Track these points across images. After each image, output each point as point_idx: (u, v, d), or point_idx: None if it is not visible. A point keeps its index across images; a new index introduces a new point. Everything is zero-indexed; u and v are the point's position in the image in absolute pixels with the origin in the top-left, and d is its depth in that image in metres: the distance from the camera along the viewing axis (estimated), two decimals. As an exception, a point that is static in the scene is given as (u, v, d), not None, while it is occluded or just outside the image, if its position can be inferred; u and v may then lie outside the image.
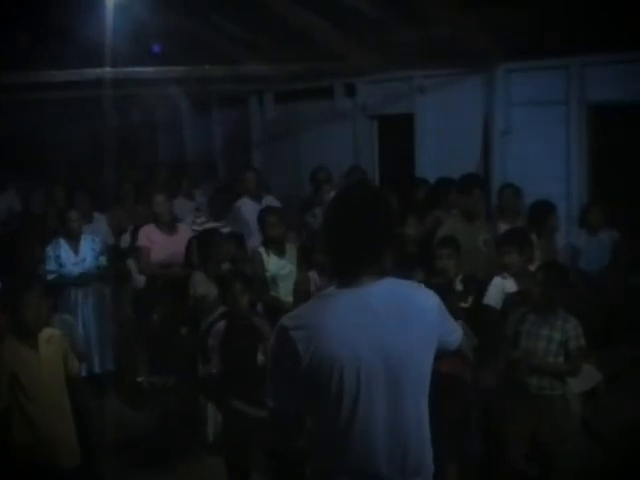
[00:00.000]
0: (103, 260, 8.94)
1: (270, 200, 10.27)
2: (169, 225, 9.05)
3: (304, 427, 3.40)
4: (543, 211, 8.37)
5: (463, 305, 6.72)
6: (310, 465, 3.41)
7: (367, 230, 3.28)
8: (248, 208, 9.90)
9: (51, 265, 8.63)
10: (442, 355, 3.44)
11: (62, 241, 8.77)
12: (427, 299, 3.39)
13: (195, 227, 9.53)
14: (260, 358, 6.49)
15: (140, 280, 9.09)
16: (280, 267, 8.25)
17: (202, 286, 7.70)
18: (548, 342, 5.92)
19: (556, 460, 5.97)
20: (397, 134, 12.14)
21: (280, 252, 8.33)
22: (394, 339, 3.23)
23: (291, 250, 8.42)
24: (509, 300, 6.71)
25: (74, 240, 8.81)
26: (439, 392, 3.48)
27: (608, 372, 7.08)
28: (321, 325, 3.21)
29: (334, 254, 3.39)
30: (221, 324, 6.53)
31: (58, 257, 8.67)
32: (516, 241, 7.07)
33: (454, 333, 3.54)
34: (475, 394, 6.29)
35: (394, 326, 3.24)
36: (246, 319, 6.53)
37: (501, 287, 6.89)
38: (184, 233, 8.96)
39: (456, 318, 3.71)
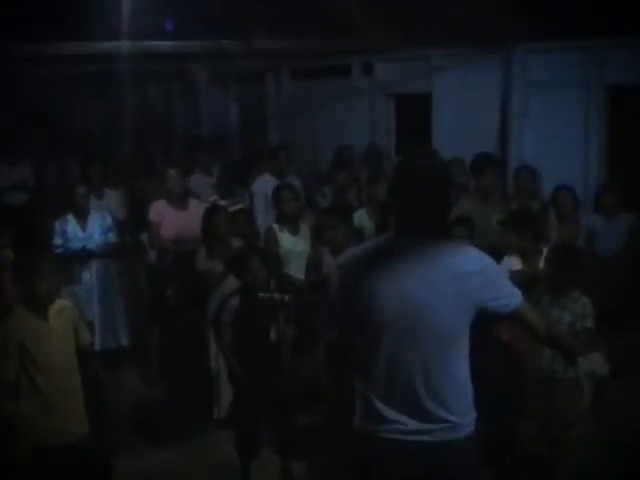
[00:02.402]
0: (112, 237, 8.95)
1: (294, 180, 10.21)
2: (180, 200, 9.01)
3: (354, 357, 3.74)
4: (556, 192, 8.36)
5: None
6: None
7: (427, 197, 3.61)
8: (268, 185, 9.83)
9: (57, 240, 8.66)
10: (494, 319, 3.79)
11: (70, 216, 8.81)
12: (467, 261, 3.63)
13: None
14: (273, 335, 6.49)
15: (150, 255, 9.10)
16: (293, 244, 8.24)
17: (204, 261, 7.73)
18: (558, 323, 5.89)
19: (565, 443, 5.96)
20: (414, 113, 12.08)
21: (294, 229, 8.33)
22: (417, 293, 3.52)
23: (305, 228, 8.42)
24: (512, 279, 6.68)
25: (82, 216, 8.82)
26: (497, 358, 3.92)
27: (617, 360, 7.02)
28: (360, 268, 3.64)
29: (396, 211, 3.74)
30: (235, 300, 6.51)
31: (65, 232, 8.69)
32: (515, 221, 7.05)
33: (504, 298, 3.72)
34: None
35: (422, 278, 3.53)
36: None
37: (513, 266, 6.88)
38: (196, 209, 8.93)
39: None
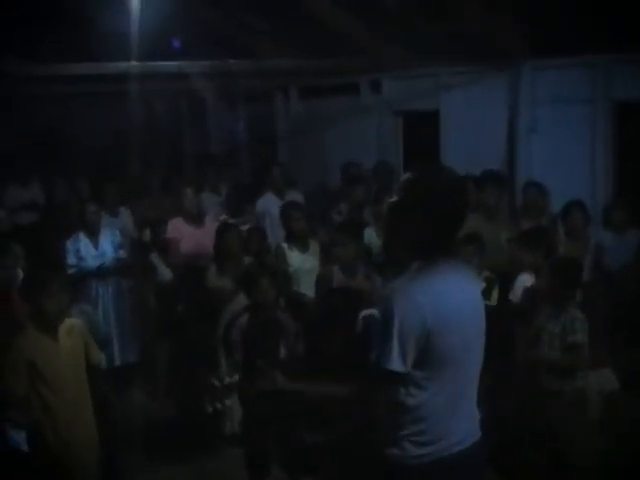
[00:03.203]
0: (122, 253, 9.00)
1: (294, 195, 10.27)
2: (196, 218, 9.12)
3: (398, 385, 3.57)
4: (568, 208, 8.38)
5: (487, 303, 6.71)
6: (394, 422, 3.59)
7: (453, 214, 3.59)
8: (271, 204, 9.91)
9: (71, 259, 8.70)
10: None
11: (81, 235, 8.85)
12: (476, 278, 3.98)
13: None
14: (283, 352, 6.51)
15: (165, 273, 9.13)
16: (302, 262, 8.26)
17: (215, 279, 7.75)
18: (550, 336, 5.98)
19: (566, 456, 5.98)
20: (422, 130, 12.10)
21: (303, 247, 8.35)
22: (480, 304, 3.74)
23: (314, 245, 8.44)
24: (524, 295, 6.76)
25: (93, 234, 8.86)
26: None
27: (626, 374, 7.02)
28: (437, 292, 3.51)
29: (418, 233, 3.58)
30: (244, 318, 6.54)
31: (78, 251, 8.74)
32: (528, 239, 7.12)
33: None
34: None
35: (472, 297, 3.70)
36: (271, 314, 6.54)
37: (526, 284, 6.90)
38: (211, 226, 9.01)
39: None
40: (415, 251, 3.63)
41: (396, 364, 3.45)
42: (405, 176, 3.71)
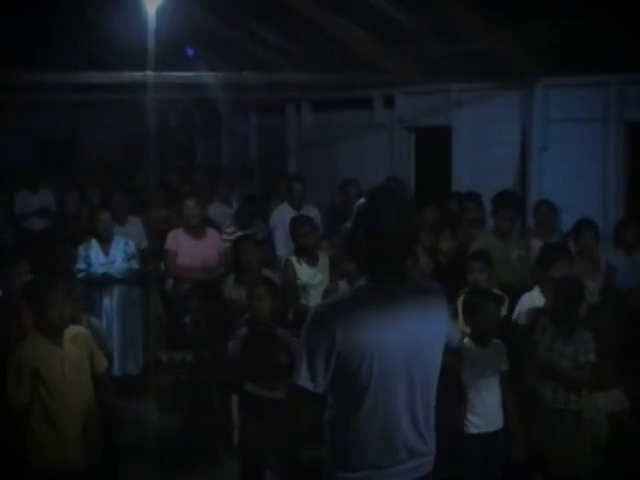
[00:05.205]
0: (134, 263, 8.98)
1: (310, 210, 10.22)
2: (197, 229, 9.11)
3: (322, 407, 3.61)
4: (579, 227, 8.37)
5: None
6: (329, 444, 3.61)
7: (396, 235, 3.53)
8: (287, 216, 9.84)
9: (80, 264, 8.72)
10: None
11: (94, 241, 8.89)
12: (441, 297, 3.74)
13: (225, 236, 9.58)
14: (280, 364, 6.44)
15: (171, 283, 9.15)
16: (311, 276, 8.25)
17: (232, 290, 7.73)
18: (561, 356, 5.95)
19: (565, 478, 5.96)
20: (434, 147, 12.10)
21: (312, 261, 8.34)
22: (417, 331, 3.53)
23: (323, 259, 8.42)
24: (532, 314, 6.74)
25: (105, 241, 8.87)
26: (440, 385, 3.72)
27: (635, 396, 6.97)
28: (355, 315, 3.47)
29: (364, 255, 3.61)
30: (243, 329, 6.49)
31: (88, 257, 8.74)
32: (568, 253, 7.16)
33: (454, 331, 3.99)
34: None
35: (417, 319, 3.54)
36: (266, 327, 6.48)
37: (532, 302, 6.85)
38: (212, 238, 9.03)
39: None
40: (363, 273, 3.66)
41: (303, 381, 3.48)
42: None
